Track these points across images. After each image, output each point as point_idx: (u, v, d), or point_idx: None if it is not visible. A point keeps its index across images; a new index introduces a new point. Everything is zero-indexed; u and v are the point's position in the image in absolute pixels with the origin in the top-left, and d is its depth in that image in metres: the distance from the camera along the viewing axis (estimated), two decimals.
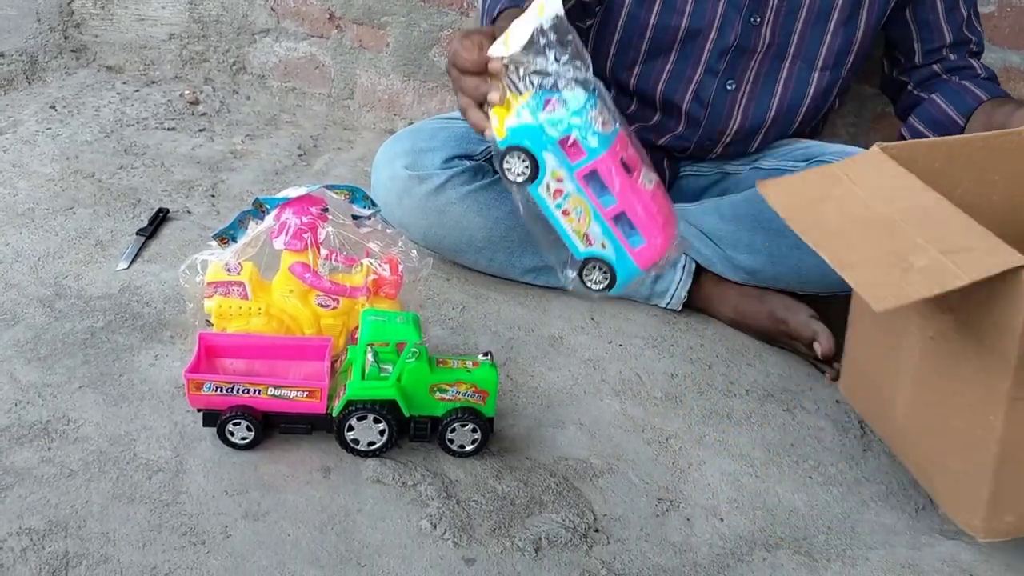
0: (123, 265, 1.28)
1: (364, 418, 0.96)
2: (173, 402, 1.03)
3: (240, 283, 1.06)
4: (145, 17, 1.93)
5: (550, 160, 0.96)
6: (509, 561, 0.91)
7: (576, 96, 0.95)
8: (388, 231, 1.12)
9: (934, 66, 1.35)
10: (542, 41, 0.94)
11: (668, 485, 1.04)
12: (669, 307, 1.39)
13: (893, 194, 0.94)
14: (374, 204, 1.11)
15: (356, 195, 1.09)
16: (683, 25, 1.31)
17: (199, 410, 0.98)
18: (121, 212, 1.42)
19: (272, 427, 0.98)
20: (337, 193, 1.09)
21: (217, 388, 0.94)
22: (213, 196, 1.52)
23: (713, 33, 1.31)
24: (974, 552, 1.01)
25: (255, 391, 0.94)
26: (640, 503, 1.00)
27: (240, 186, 1.57)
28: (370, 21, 1.84)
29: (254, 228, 1.07)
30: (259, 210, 1.07)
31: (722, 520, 1.00)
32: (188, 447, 0.98)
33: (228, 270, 1.06)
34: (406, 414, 0.97)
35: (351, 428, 0.96)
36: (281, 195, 1.06)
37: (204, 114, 1.82)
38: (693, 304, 1.39)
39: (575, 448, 1.07)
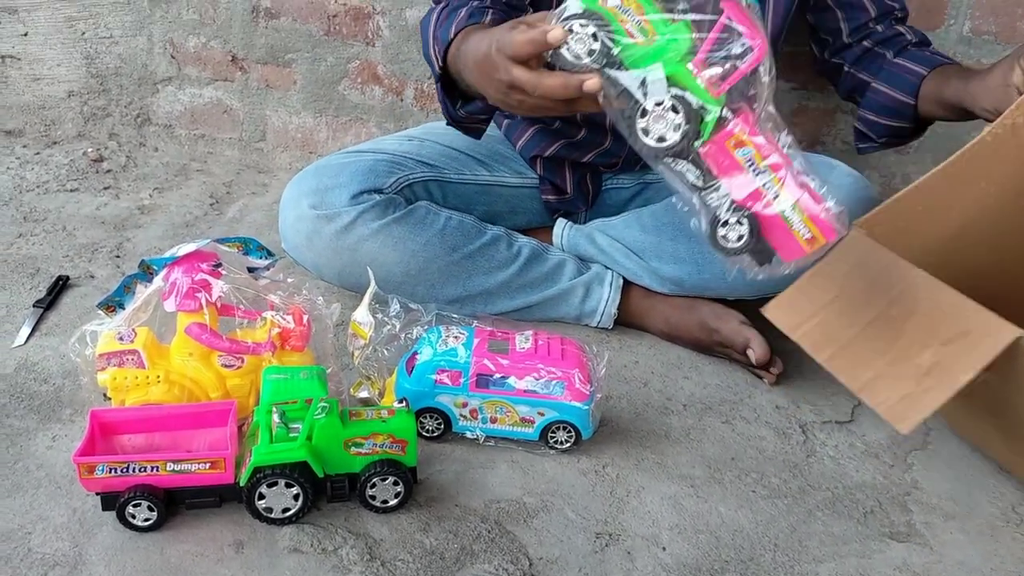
0: (19, 341, 1.20)
1: (275, 484, 0.90)
2: (72, 487, 0.96)
3: (134, 351, 0.99)
4: (41, 76, 1.86)
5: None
6: None
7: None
8: (290, 280, 1.07)
9: (864, 42, 1.31)
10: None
11: (606, 517, 0.99)
12: (600, 326, 1.35)
13: (885, 284, 0.97)
14: (271, 254, 1.05)
15: (250, 246, 1.04)
16: None
17: (97, 493, 0.91)
18: (18, 284, 1.34)
19: (178, 503, 0.91)
20: (229, 246, 1.03)
21: (112, 469, 0.87)
22: (118, 257, 1.45)
23: None
24: (926, 554, 0.97)
25: (153, 468, 0.88)
26: (578, 541, 0.95)
27: (147, 243, 1.50)
28: (274, 60, 1.79)
29: (143, 292, 1.00)
30: (146, 272, 1.01)
31: (664, 549, 0.95)
32: (88, 535, 0.91)
33: (121, 339, 1.00)
34: (320, 475, 0.91)
35: (262, 496, 0.90)
36: (168, 254, 1.00)
37: (109, 171, 1.76)
38: (624, 320, 1.35)
39: (507, 488, 1.02)
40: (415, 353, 1.07)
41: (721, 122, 0.81)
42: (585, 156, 1.37)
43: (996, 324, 0.87)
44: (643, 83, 0.81)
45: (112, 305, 1.01)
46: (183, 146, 1.87)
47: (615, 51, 0.80)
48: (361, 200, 1.25)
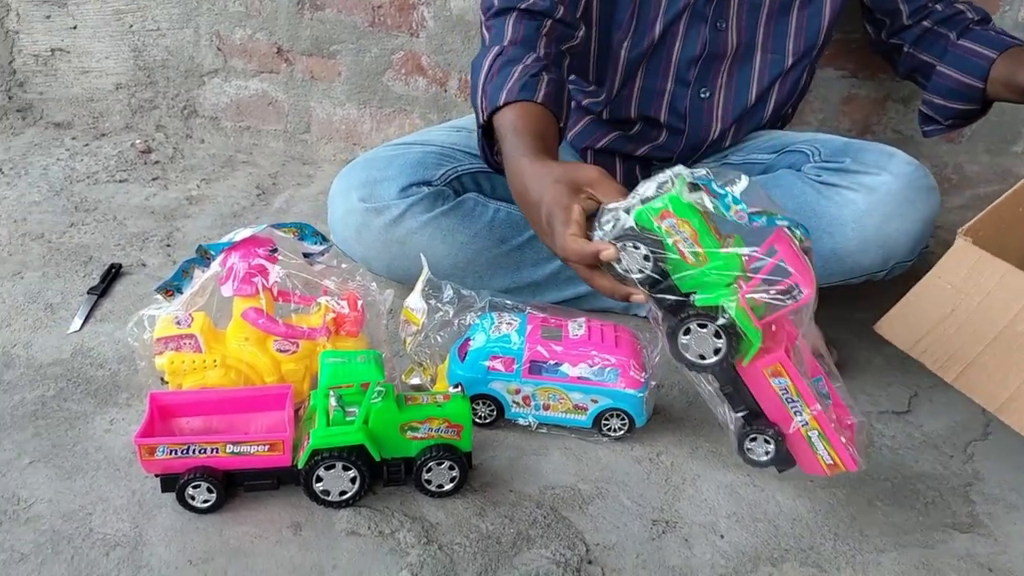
0: (75, 327, 1.22)
1: (332, 467, 0.90)
2: (131, 469, 0.97)
3: (192, 336, 1.00)
4: (89, 69, 1.88)
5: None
6: None
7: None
8: (344, 266, 1.07)
9: (924, 22, 1.29)
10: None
11: (662, 505, 0.98)
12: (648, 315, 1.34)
13: (1004, 297, 0.97)
14: (325, 239, 1.05)
15: (305, 232, 1.04)
16: (650, 42, 1.27)
17: (156, 475, 0.92)
18: (71, 272, 1.36)
19: (237, 485, 0.92)
20: (285, 232, 1.03)
21: (172, 451, 0.88)
22: (168, 246, 1.46)
23: (678, 45, 1.26)
24: (990, 544, 0.95)
25: (213, 450, 0.88)
26: (634, 527, 0.94)
27: (196, 233, 1.51)
28: (319, 52, 1.79)
29: (200, 277, 1.01)
30: (204, 257, 1.01)
31: (722, 537, 0.94)
32: (148, 517, 0.91)
33: (178, 323, 1.00)
34: (377, 458, 0.91)
35: (319, 479, 0.90)
36: (225, 239, 1.01)
37: (157, 162, 1.77)
38: None
39: (561, 475, 1.01)
40: (468, 339, 1.07)
41: (761, 351, 0.84)
42: (639, 150, 1.36)
43: None
44: (689, 304, 0.83)
45: (170, 289, 1.02)
46: (229, 138, 1.88)
47: (665, 268, 0.82)
48: (410, 193, 1.24)
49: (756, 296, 0.82)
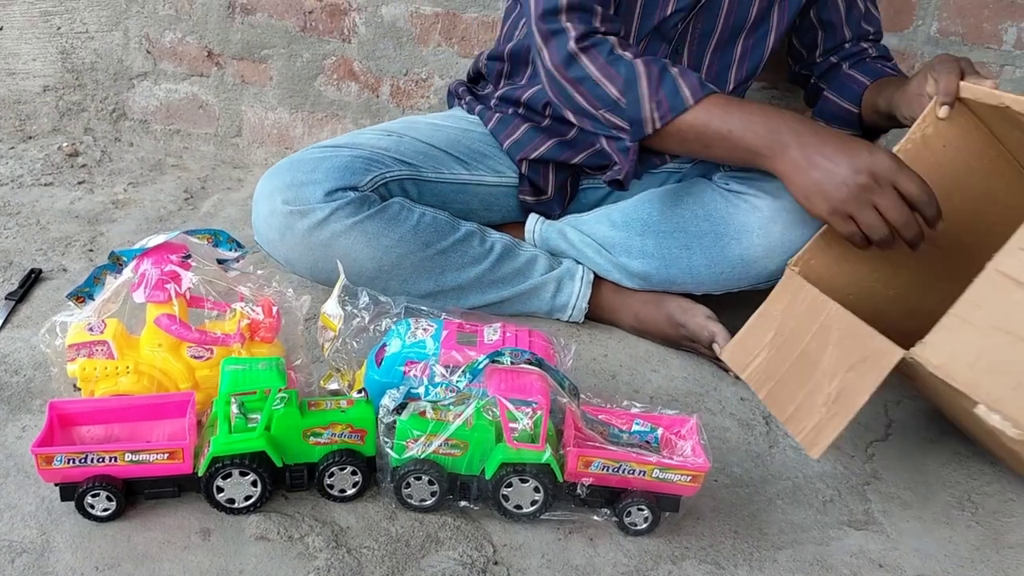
0: None
1: (230, 475, 0.91)
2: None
3: (104, 342, 1.00)
4: (16, 71, 1.86)
5: None
6: None
7: None
8: (260, 272, 1.08)
9: (832, 58, 1.40)
10: None
11: (572, 507, 1.00)
12: (571, 320, 1.36)
13: (809, 319, 1.05)
14: (240, 246, 1.06)
15: (220, 238, 1.04)
16: None
17: (56, 484, 0.92)
18: None
19: (138, 493, 0.92)
20: (199, 238, 1.04)
21: (70, 460, 0.88)
22: (91, 251, 1.45)
23: None
24: (882, 541, 0.99)
25: (111, 458, 0.88)
26: (542, 528, 0.97)
27: (121, 237, 1.50)
28: (250, 56, 1.79)
29: (112, 283, 1.01)
30: (116, 263, 1.01)
31: (626, 536, 0.97)
32: (55, 523, 0.91)
33: (90, 329, 1.00)
34: (279, 464, 0.92)
35: (220, 489, 0.91)
36: (138, 246, 1.01)
37: (84, 166, 1.76)
38: (595, 315, 1.37)
39: None
40: (384, 345, 1.08)
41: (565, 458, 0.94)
42: (576, 157, 1.38)
43: (886, 347, 0.92)
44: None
45: (82, 296, 1.02)
46: (158, 141, 1.87)
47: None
48: (336, 197, 1.24)
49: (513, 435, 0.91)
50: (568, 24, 1.17)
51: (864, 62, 1.37)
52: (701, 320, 1.25)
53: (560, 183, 1.41)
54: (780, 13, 1.33)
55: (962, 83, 1.06)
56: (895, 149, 1.10)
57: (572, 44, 1.17)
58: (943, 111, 1.06)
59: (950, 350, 0.89)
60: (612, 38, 1.18)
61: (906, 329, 0.97)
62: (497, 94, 1.43)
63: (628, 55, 1.16)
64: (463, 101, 1.49)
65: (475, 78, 1.54)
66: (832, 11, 1.37)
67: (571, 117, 1.23)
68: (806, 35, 1.41)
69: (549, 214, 1.43)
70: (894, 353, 0.91)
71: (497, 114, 1.43)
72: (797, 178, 1.07)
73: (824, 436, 0.95)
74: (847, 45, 1.39)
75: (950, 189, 1.07)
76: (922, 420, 1.22)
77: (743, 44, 1.34)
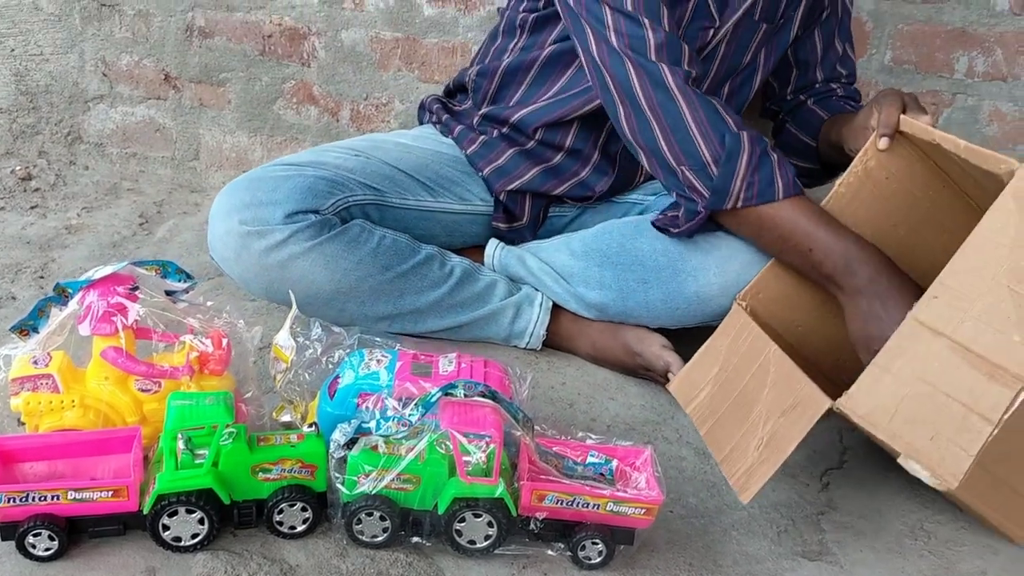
0: None
1: (176, 513, 0.89)
2: None
3: (48, 376, 0.98)
4: None
5: None
6: None
7: None
8: (209, 304, 1.06)
9: (800, 95, 1.43)
10: None
11: (526, 538, 0.99)
12: (529, 347, 1.36)
13: (750, 358, 1.05)
14: (189, 277, 1.04)
15: (168, 269, 1.03)
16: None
17: None
18: None
19: (82, 532, 0.90)
20: (147, 269, 1.02)
21: (10, 499, 0.85)
22: (42, 278, 1.43)
23: None
24: (836, 571, 0.99)
25: (53, 497, 0.86)
26: (495, 563, 0.96)
27: (73, 264, 1.48)
28: (208, 79, 1.78)
29: (57, 315, 0.99)
30: (61, 295, 0.99)
31: (580, 569, 0.96)
32: None
33: (35, 363, 0.98)
34: (227, 501, 0.90)
35: (166, 527, 0.89)
36: (84, 277, 0.99)
37: (37, 190, 1.73)
38: (553, 343, 1.37)
39: None
40: (337, 377, 1.07)
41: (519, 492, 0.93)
42: (559, 188, 1.37)
43: (816, 395, 0.93)
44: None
45: (26, 329, 1.00)
46: (114, 164, 1.85)
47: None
48: (296, 220, 1.21)
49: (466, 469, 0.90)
50: (662, 64, 1.15)
51: (829, 99, 1.39)
52: (656, 349, 1.25)
53: (536, 211, 1.40)
54: (767, 55, 1.36)
55: (902, 116, 1.07)
56: (837, 182, 1.11)
57: (672, 79, 1.15)
58: (883, 143, 1.08)
59: (873, 401, 0.90)
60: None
61: (860, 362, 0.97)
62: (481, 112, 1.41)
63: (732, 121, 1.15)
64: (437, 118, 1.47)
65: (453, 92, 1.52)
66: (810, 51, 1.40)
67: (641, 156, 1.21)
68: (781, 72, 1.43)
69: (518, 240, 1.42)
70: (822, 403, 0.92)
71: (481, 137, 1.40)
72: (855, 324, 1.07)
73: (754, 481, 0.95)
74: (817, 85, 1.41)
75: (896, 220, 1.08)
76: (876, 447, 1.23)
77: (731, 85, 1.36)
